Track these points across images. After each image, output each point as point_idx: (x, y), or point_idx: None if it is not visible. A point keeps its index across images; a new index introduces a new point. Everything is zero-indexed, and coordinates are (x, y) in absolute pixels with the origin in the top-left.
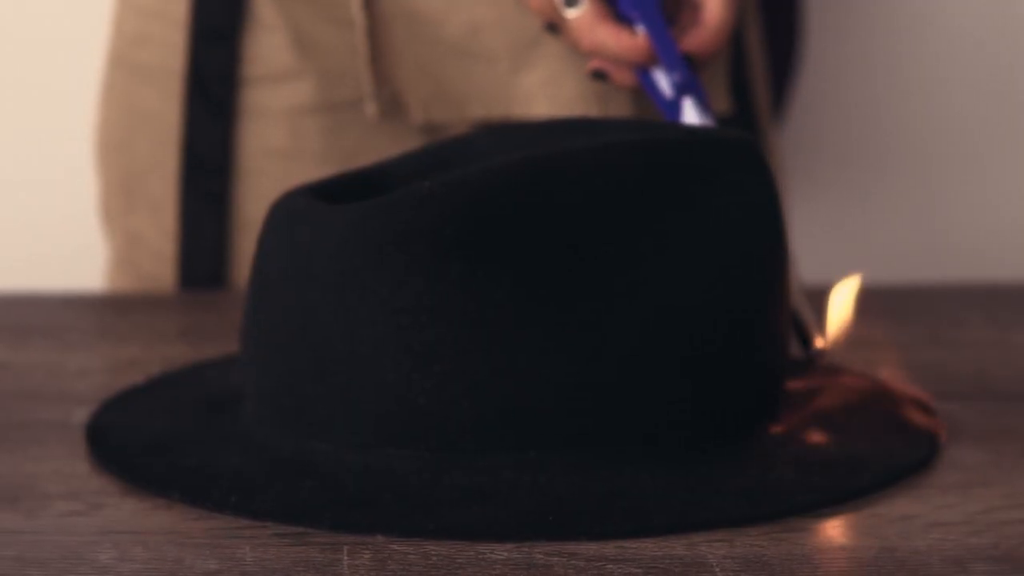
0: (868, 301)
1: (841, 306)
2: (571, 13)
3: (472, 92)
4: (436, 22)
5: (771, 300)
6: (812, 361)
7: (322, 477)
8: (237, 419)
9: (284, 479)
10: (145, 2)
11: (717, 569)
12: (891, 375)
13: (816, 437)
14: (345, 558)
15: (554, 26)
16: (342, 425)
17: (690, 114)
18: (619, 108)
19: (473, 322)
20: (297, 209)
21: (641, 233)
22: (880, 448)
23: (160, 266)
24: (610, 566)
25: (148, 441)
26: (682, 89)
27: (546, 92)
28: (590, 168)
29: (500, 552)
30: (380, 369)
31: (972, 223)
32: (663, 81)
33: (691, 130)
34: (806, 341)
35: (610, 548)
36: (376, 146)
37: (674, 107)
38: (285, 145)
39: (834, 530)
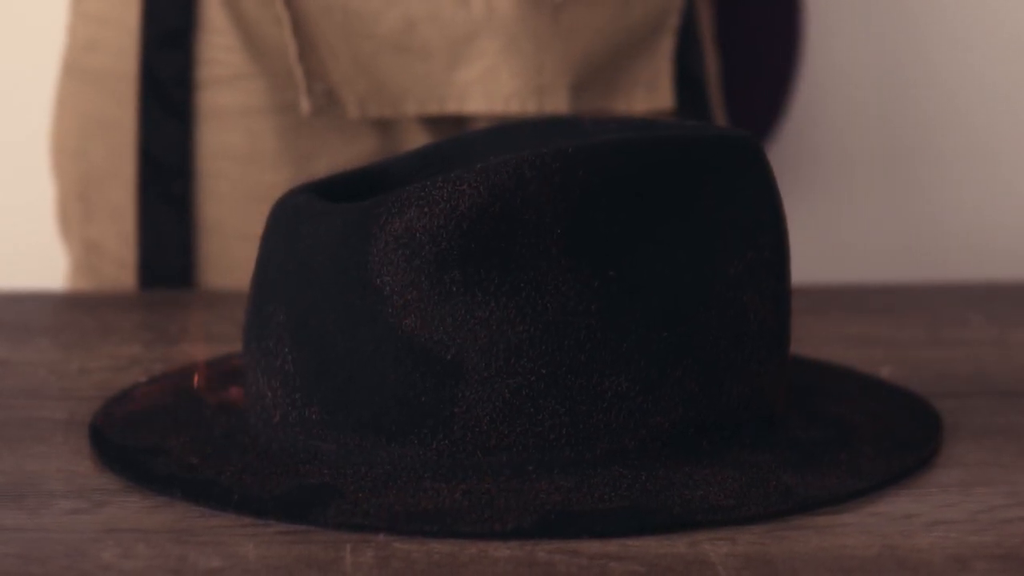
0: (869, 299)
1: None
2: None
3: (408, 87)
4: (371, 17)
5: (771, 299)
6: None
7: (324, 475)
8: (239, 417)
9: (286, 477)
10: (95, 8)
11: (719, 567)
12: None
13: (817, 436)
14: (348, 556)
15: None
16: (344, 424)
17: None
18: (556, 104)
19: (473, 321)
20: (298, 207)
21: (640, 232)
22: (881, 446)
23: (121, 272)
24: (613, 564)
25: (150, 439)
26: None
27: (482, 88)
28: (590, 167)
29: (503, 550)
30: (381, 368)
31: (971, 222)
32: None
33: (691, 128)
34: None
35: (612, 546)
36: (332, 146)
37: None
38: (241, 146)
39: (836, 528)
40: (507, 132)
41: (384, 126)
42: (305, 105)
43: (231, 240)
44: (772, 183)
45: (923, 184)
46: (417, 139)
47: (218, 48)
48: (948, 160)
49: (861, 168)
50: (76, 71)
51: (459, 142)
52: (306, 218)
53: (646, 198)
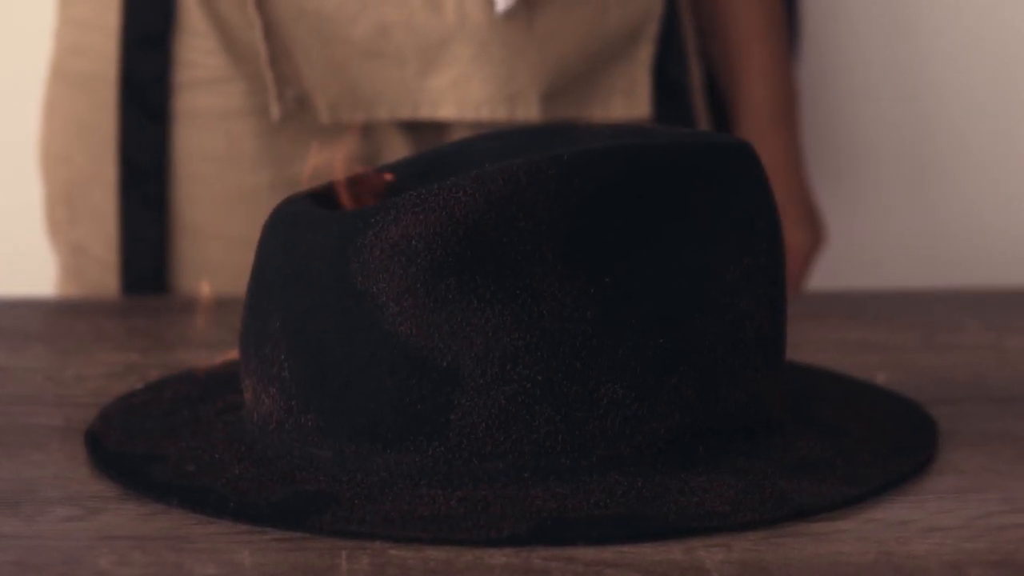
0: (865, 305)
1: None
2: None
3: (380, 93)
4: (344, 23)
5: (768, 305)
6: None
7: (320, 482)
8: (236, 424)
9: (283, 484)
10: (80, 13)
11: (715, 574)
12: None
13: (813, 442)
14: (343, 563)
15: None
16: (340, 431)
17: None
18: (527, 110)
19: (469, 328)
20: (295, 215)
21: (636, 239)
22: (877, 453)
23: (105, 275)
24: (608, 571)
25: (147, 446)
26: None
27: (454, 94)
28: (586, 174)
29: (498, 557)
30: (377, 375)
31: (968, 228)
32: None
33: (687, 135)
34: None
35: (608, 553)
36: (311, 149)
37: None
38: (220, 148)
39: (832, 535)
40: (505, 139)
41: (364, 130)
42: (275, 110)
43: (209, 242)
44: (768, 189)
45: (918, 190)
46: (396, 144)
47: (197, 51)
48: (943, 166)
49: (855, 174)
50: (62, 76)
51: (456, 149)
52: (303, 226)
53: (642, 205)
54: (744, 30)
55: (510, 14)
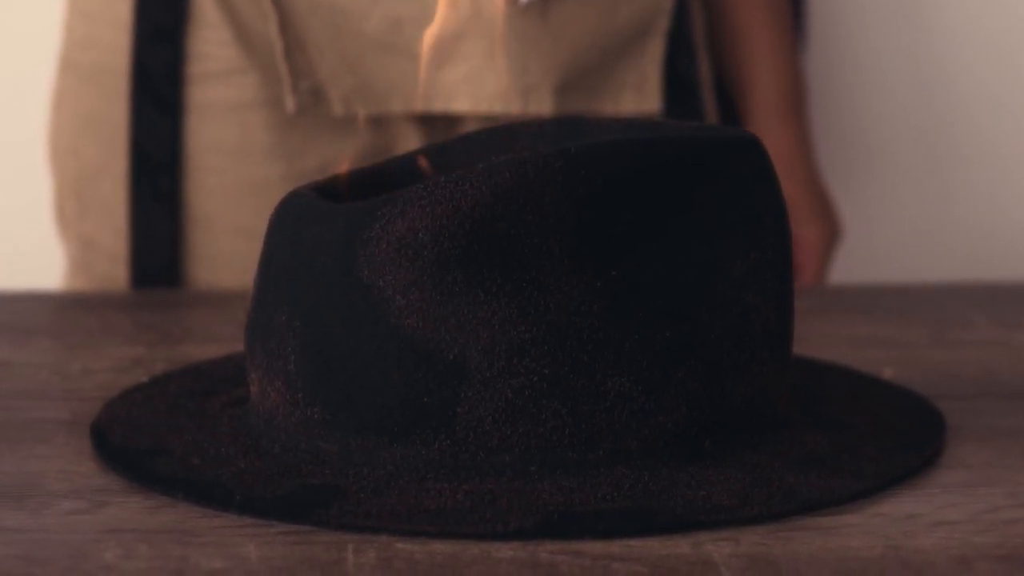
0: (874, 300)
1: None
2: None
3: (393, 86)
4: (358, 16)
5: (774, 300)
6: None
7: (326, 476)
8: (242, 418)
9: (289, 477)
10: (90, 5)
11: (723, 568)
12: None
13: (820, 437)
14: (350, 556)
15: None
16: (346, 424)
17: None
18: (541, 105)
19: (475, 321)
20: (302, 207)
21: (643, 232)
22: (884, 447)
23: (114, 267)
24: (616, 565)
25: (152, 440)
26: None
27: (467, 88)
28: (593, 167)
29: (505, 551)
30: (384, 368)
31: (977, 223)
32: None
33: (695, 129)
34: None
35: (616, 547)
36: (324, 141)
37: None
38: (233, 141)
39: (839, 529)
40: (512, 132)
41: (376, 123)
42: (290, 103)
43: (221, 234)
44: (775, 184)
45: (928, 185)
46: (409, 137)
47: (210, 43)
48: (953, 161)
49: (865, 170)
50: (71, 68)
51: (463, 142)
52: (309, 218)
53: (649, 198)
54: (748, 20)
55: (528, 9)
